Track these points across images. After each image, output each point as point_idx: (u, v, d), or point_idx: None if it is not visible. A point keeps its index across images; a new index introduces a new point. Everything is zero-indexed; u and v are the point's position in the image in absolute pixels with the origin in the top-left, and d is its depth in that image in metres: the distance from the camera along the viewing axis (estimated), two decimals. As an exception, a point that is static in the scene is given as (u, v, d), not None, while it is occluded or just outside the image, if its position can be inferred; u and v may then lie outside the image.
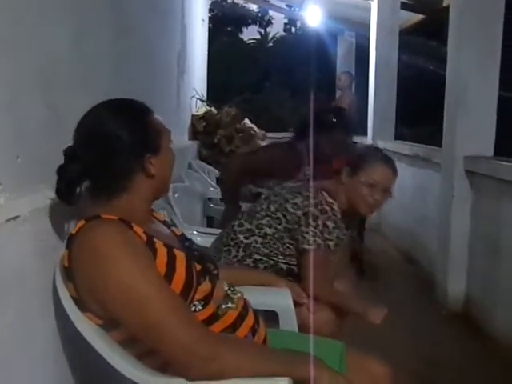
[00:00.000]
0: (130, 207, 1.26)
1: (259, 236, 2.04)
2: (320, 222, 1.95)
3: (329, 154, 2.43)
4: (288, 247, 2.02)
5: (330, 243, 1.96)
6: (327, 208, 1.98)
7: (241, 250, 2.05)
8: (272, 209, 2.05)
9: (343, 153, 2.31)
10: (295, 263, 2.03)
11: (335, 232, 1.98)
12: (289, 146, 2.96)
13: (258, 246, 2.03)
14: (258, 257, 2.03)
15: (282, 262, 2.03)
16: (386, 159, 2.15)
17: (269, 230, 2.03)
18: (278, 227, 2.02)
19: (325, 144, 2.68)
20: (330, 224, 1.97)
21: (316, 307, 1.87)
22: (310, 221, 1.95)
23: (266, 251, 2.03)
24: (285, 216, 2.01)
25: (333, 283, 2.06)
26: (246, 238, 2.06)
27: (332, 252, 1.98)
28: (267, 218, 2.04)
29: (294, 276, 2.03)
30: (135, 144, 1.24)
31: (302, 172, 2.71)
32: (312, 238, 1.94)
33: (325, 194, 2.03)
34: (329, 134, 2.74)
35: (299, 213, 1.98)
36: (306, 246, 1.95)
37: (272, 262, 2.03)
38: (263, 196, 2.22)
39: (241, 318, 1.35)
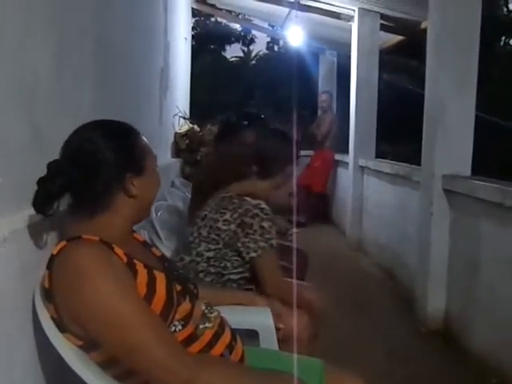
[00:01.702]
0: (111, 227, 1.27)
1: (203, 262, 2.04)
2: (256, 227, 1.97)
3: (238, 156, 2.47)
4: (235, 260, 2.04)
5: (273, 242, 1.99)
6: (256, 211, 1.99)
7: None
8: (204, 233, 2.05)
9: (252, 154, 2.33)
10: (245, 271, 2.06)
11: (273, 228, 2.00)
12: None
13: (208, 269, 2.04)
14: (209, 278, 2.04)
15: (232, 273, 2.05)
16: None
17: (210, 254, 2.03)
18: (218, 246, 2.02)
19: (235, 147, 2.73)
20: (266, 224, 1.98)
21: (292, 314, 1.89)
22: (247, 230, 1.97)
23: (214, 271, 2.04)
24: (219, 235, 2.02)
25: (283, 276, 2.10)
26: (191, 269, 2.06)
27: (276, 249, 2.02)
28: (203, 244, 2.04)
29: (247, 281, 2.07)
30: (118, 162, 1.25)
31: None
32: (255, 245, 1.96)
33: (248, 199, 2.04)
34: (238, 136, 2.79)
35: (233, 227, 1.99)
36: (252, 255, 1.97)
37: (224, 278, 2.05)
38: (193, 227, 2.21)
39: (216, 336, 1.36)
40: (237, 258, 2.03)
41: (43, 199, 1.21)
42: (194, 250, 2.06)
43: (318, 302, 2.19)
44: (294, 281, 2.28)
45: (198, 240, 2.05)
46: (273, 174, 2.14)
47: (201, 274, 2.04)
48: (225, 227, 2.00)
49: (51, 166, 1.23)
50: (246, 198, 2.05)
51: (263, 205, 2.02)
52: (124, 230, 1.32)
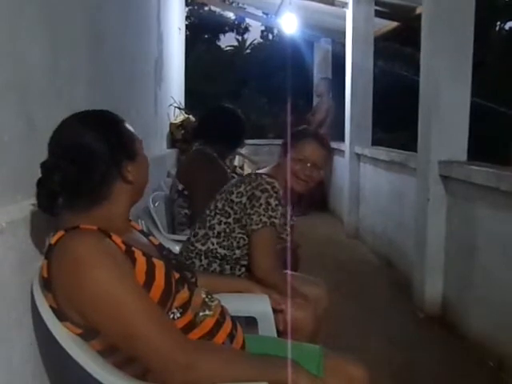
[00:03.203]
0: (109, 216, 1.28)
1: (213, 237, 2.10)
2: (263, 201, 2.01)
3: None
4: (241, 237, 2.08)
5: (275, 220, 2.01)
6: (268, 187, 2.04)
7: (203, 257, 2.11)
8: (219, 206, 2.12)
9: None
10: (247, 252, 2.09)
11: (279, 209, 2.02)
12: None
13: (215, 247, 2.09)
14: (218, 261, 2.09)
15: (236, 253, 2.09)
16: (316, 136, 2.21)
17: (220, 227, 2.09)
18: (228, 220, 2.08)
19: None
20: (273, 201, 2.01)
21: (295, 306, 1.89)
22: (254, 202, 2.01)
23: (224, 252, 2.09)
24: (232, 208, 2.08)
25: (277, 262, 2.09)
26: (203, 244, 2.12)
27: (277, 230, 2.04)
28: (217, 217, 2.11)
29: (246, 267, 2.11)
30: (112, 152, 1.26)
31: None
32: (257, 218, 2.00)
33: (264, 176, 2.10)
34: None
35: (244, 199, 2.05)
36: (253, 227, 2.00)
37: (233, 261, 2.10)
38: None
39: (218, 324, 1.36)
40: (243, 236, 2.07)
41: (46, 199, 1.21)
42: (208, 222, 2.12)
43: (325, 300, 2.20)
44: (299, 274, 2.30)
45: (214, 213, 2.13)
46: (291, 153, 2.15)
47: (211, 253, 2.09)
48: (237, 199, 2.07)
49: (45, 165, 1.22)
50: (263, 176, 2.10)
51: (276, 184, 2.06)
52: (122, 217, 1.34)
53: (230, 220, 2.07)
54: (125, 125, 1.35)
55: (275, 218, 2.00)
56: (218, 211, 2.11)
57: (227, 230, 2.08)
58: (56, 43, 1.69)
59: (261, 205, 2.00)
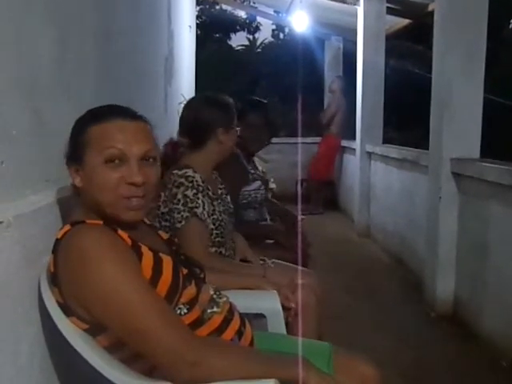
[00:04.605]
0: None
1: None
2: (180, 196, 1.94)
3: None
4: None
5: (197, 210, 1.94)
6: (182, 180, 1.97)
7: None
8: (162, 223, 2.02)
9: None
10: None
11: (198, 198, 1.96)
12: None
13: None
14: None
15: None
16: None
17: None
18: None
19: None
20: (190, 192, 1.95)
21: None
22: (173, 201, 1.95)
23: None
24: (167, 220, 2.00)
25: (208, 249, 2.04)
26: None
27: (203, 217, 1.97)
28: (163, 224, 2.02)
29: None
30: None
31: None
32: (178, 215, 1.94)
33: (175, 171, 2.01)
34: None
35: (170, 204, 1.97)
36: (177, 226, 1.94)
37: None
38: None
39: (226, 321, 1.35)
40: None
41: None
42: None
43: (317, 288, 2.17)
44: (298, 267, 2.28)
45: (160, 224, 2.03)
46: (202, 142, 2.11)
47: None
48: (164, 209, 1.99)
49: None
50: (174, 171, 2.01)
51: (190, 173, 1.99)
52: None
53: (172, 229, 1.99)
54: None
55: (197, 207, 1.94)
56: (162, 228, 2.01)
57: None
58: (64, 37, 1.68)
59: (179, 201, 1.94)
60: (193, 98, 2.31)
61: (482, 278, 2.99)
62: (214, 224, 2.04)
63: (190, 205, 1.94)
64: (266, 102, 3.10)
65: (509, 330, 2.68)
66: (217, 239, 2.07)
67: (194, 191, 1.96)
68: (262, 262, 2.28)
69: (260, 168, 3.12)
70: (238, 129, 2.23)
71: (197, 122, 2.12)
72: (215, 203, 2.07)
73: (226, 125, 2.13)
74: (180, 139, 2.17)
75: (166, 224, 1.99)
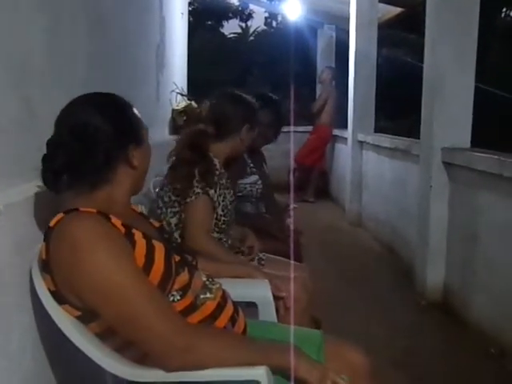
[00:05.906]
0: (110, 199, 1.27)
1: (175, 232, 2.05)
2: (197, 174, 1.99)
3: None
4: None
5: (210, 191, 1.99)
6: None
7: None
8: (166, 199, 2.08)
9: None
10: None
11: (215, 180, 2.01)
12: None
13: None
14: None
15: None
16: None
17: (174, 220, 2.06)
18: (177, 209, 2.05)
19: None
20: (207, 175, 2.01)
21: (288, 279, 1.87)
22: (189, 178, 1.99)
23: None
24: (178, 195, 2.05)
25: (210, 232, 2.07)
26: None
27: (214, 198, 2.01)
28: (169, 210, 2.07)
29: None
30: (119, 134, 1.26)
31: None
32: (191, 190, 1.98)
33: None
34: None
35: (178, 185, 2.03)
36: (187, 200, 1.99)
37: None
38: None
39: (219, 308, 1.36)
40: None
41: (51, 176, 1.21)
42: (164, 220, 2.07)
43: (309, 284, 2.18)
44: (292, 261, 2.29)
45: (165, 208, 2.08)
46: (227, 134, 2.19)
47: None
48: (179, 186, 2.04)
49: (51, 142, 1.22)
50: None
51: (215, 162, 2.07)
52: (123, 202, 1.33)
53: (179, 208, 2.04)
54: (133, 110, 1.35)
55: (210, 187, 1.99)
56: (166, 204, 2.08)
57: (180, 220, 2.04)
58: (55, 25, 1.67)
59: (195, 177, 1.99)
60: (227, 92, 2.36)
61: (471, 266, 3.01)
62: (223, 210, 2.08)
63: (204, 183, 1.98)
64: (277, 98, 3.08)
65: (498, 317, 2.71)
66: (223, 226, 2.11)
67: (211, 175, 2.01)
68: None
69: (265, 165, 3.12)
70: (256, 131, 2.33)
71: (228, 115, 2.21)
72: (226, 191, 2.11)
73: (251, 125, 2.24)
74: (207, 127, 2.19)
75: (177, 199, 2.04)
